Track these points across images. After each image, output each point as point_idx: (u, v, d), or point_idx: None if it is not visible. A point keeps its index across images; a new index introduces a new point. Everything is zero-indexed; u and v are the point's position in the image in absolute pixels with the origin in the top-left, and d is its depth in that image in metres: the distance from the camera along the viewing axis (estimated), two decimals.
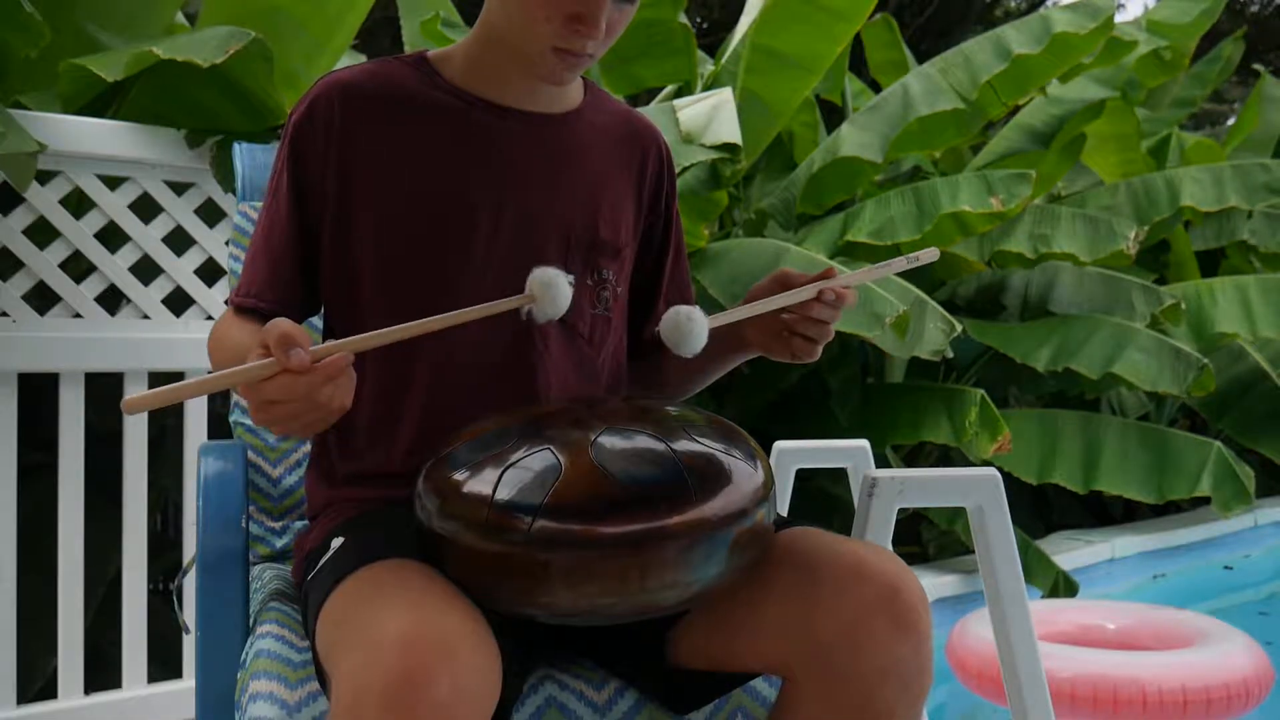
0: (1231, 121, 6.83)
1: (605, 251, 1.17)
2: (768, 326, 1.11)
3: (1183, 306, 3.86)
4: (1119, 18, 4.15)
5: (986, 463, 3.01)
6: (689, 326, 1.02)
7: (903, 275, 3.43)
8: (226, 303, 1.18)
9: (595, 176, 1.18)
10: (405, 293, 1.10)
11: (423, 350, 1.08)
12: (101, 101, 2.24)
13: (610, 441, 0.89)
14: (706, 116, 2.90)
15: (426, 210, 1.10)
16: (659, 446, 0.89)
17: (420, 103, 1.12)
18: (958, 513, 3.38)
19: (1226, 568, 4.07)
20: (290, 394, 0.82)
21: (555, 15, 1.02)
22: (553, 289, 0.98)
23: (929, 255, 1.17)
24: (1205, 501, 3.63)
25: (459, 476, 0.90)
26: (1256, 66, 6.06)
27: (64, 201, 2.08)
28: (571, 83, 1.13)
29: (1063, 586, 3.22)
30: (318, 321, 1.36)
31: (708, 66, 4.15)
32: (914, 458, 3.94)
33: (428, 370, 1.10)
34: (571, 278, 0.99)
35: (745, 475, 0.89)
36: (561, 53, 1.04)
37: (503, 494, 0.85)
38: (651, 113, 2.95)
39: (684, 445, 0.90)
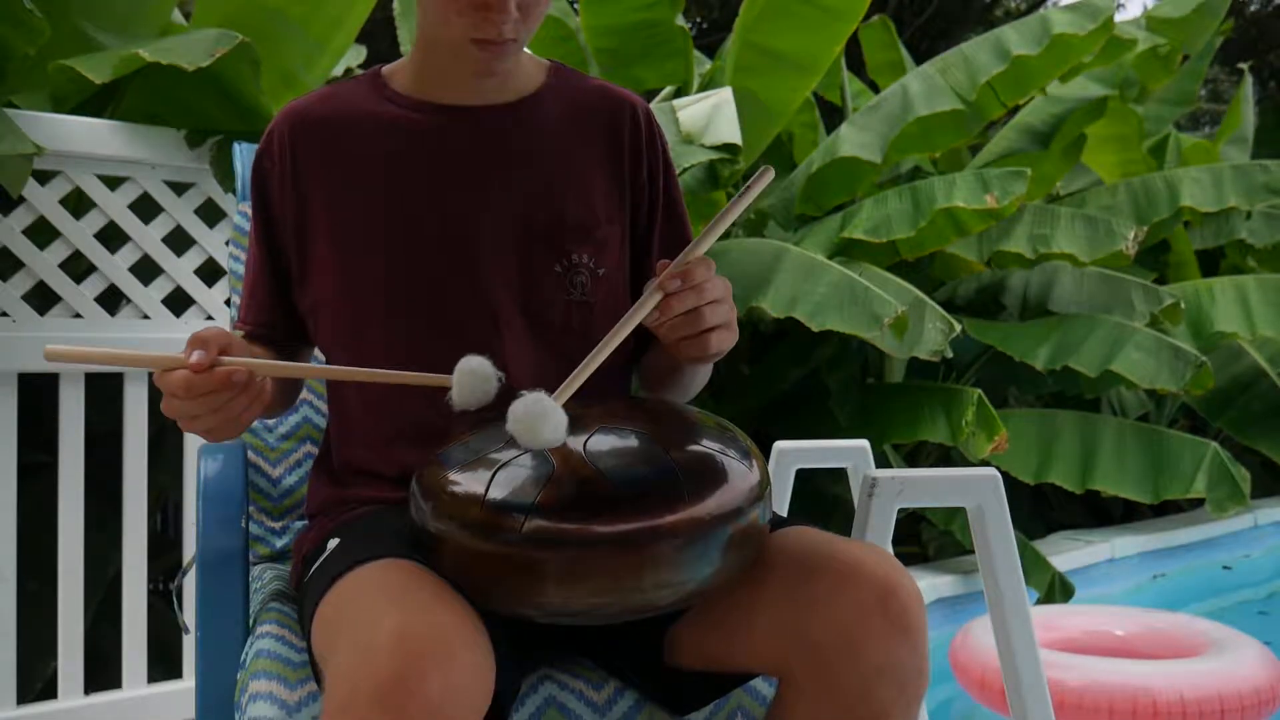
0: None
1: (574, 235, 1.13)
2: (667, 340, 1.00)
3: (1182, 306, 3.87)
4: (1119, 17, 4.15)
5: (984, 462, 3.01)
6: (540, 413, 0.86)
7: (901, 275, 3.43)
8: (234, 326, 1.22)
9: (557, 159, 1.15)
10: (366, 303, 1.12)
11: (394, 350, 1.09)
12: (97, 102, 2.24)
13: (603, 441, 0.89)
14: (706, 116, 2.89)
15: (376, 221, 1.12)
16: (652, 446, 0.89)
17: (367, 118, 1.14)
18: (955, 513, 3.37)
19: (1225, 568, 4.07)
20: (185, 391, 0.88)
21: (464, 8, 1.02)
22: (472, 380, 0.93)
23: (764, 178, 1.00)
24: (1205, 501, 3.63)
25: (452, 476, 0.90)
26: (1241, 65, 6.07)
27: (64, 201, 2.08)
28: (502, 69, 1.10)
29: (1058, 588, 3.21)
30: None
31: (706, 66, 4.15)
32: (915, 457, 3.94)
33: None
34: (501, 375, 0.93)
35: (740, 474, 0.89)
36: (480, 42, 1.04)
37: (495, 493, 0.85)
38: None
39: (677, 444, 0.89)
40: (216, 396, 0.89)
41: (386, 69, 1.20)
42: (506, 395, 1.04)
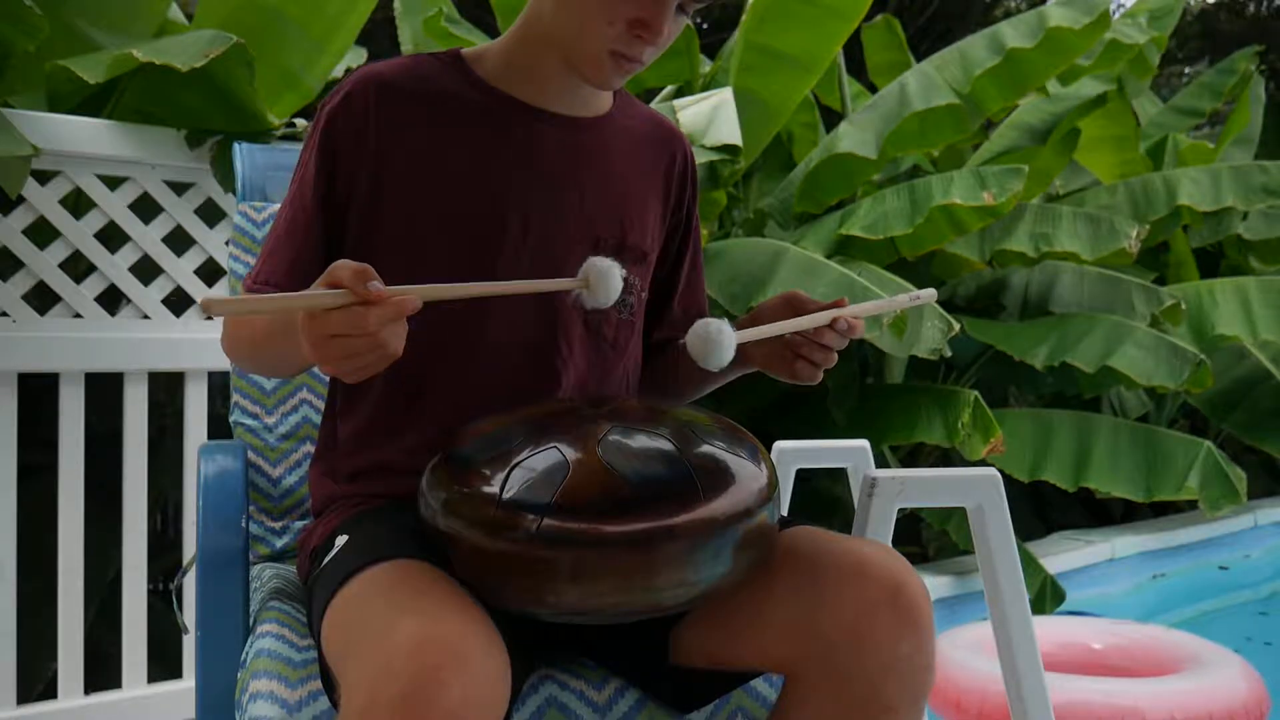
0: None
1: (631, 256, 1.17)
2: (773, 346, 1.11)
3: (1183, 307, 3.86)
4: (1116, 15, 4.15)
5: (981, 462, 3.01)
6: (719, 339, 1.00)
7: (901, 275, 3.44)
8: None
9: (624, 181, 1.18)
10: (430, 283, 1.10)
11: (446, 350, 1.09)
12: (96, 102, 2.24)
13: (617, 441, 0.90)
14: (707, 117, 2.90)
15: (457, 208, 1.10)
16: (666, 446, 0.89)
17: (455, 100, 1.12)
18: (950, 513, 3.37)
19: (1222, 568, 4.07)
20: (356, 327, 0.81)
21: (618, 19, 1.02)
22: (606, 278, 0.99)
23: (927, 296, 1.21)
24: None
25: (465, 474, 0.90)
26: (1251, 66, 6.07)
27: (64, 201, 2.07)
28: (617, 87, 1.13)
29: (1050, 591, 3.18)
30: None
31: (706, 66, 4.15)
32: (914, 458, 3.94)
33: (451, 370, 1.10)
34: (624, 271, 1.00)
35: (751, 475, 0.90)
36: (618, 57, 1.04)
37: (509, 492, 0.86)
38: None
39: (690, 445, 0.90)
40: (386, 329, 0.82)
41: (468, 53, 1.17)
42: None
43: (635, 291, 1.18)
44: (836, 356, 1.11)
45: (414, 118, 1.10)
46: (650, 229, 1.21)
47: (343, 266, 0.83)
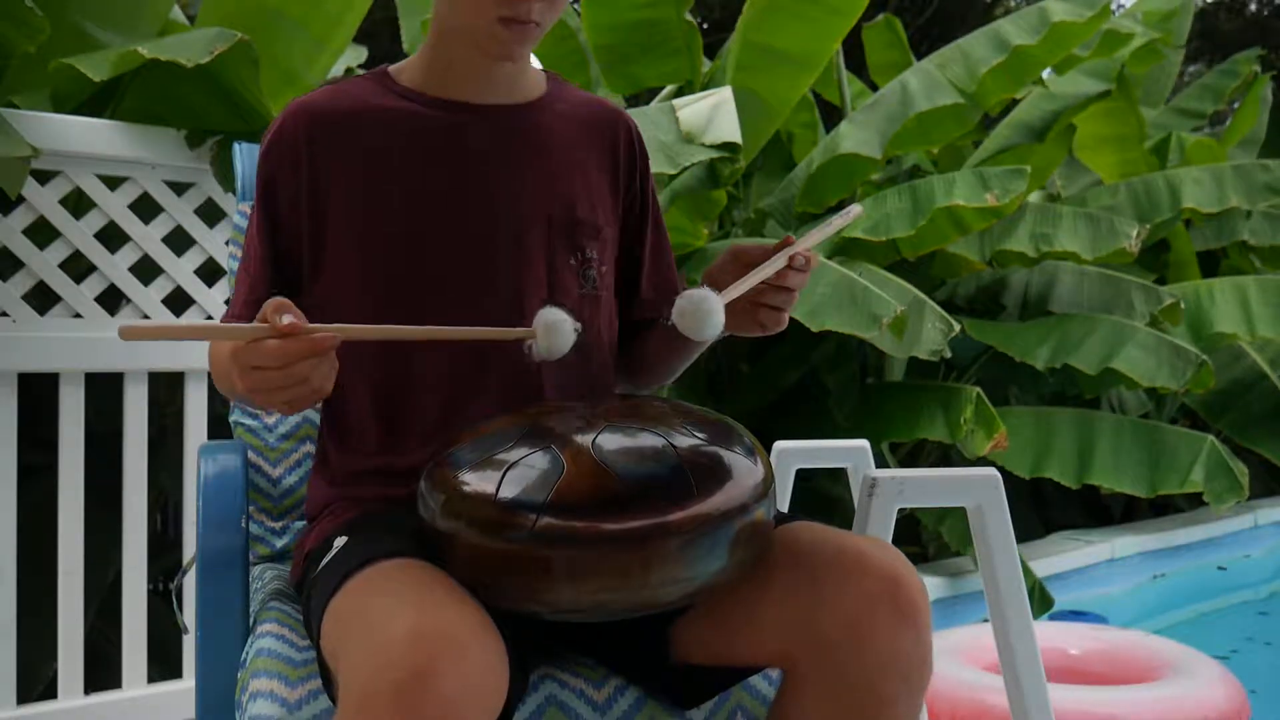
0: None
1: (586, 231, 1.18)
2: (737, 303, 1.08)
3: (1182, 306, 3.86)
4: (1115, 12, 4.15)
5: (982, 459, 3.01)
6: (708, 307, 0.99)
7: (901, 275, 3.44)
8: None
9: (566, 159, 1.19)
10: (390, 297, 1.12)
11: (424, 345, 1.10)
12: (98, 102, 2.24)
13: (612, 439, 0.90)
14: (706, 116, 2.90)
15: (395, 213, 1.12)
16: (660, 443, 0.90)
17: (378, 113, 1.15)
18: (944, 515, 3.37)
19: (1221, 568, 4.07)
20: (273, 360, 0.84)
21: None
22: (554, 331, 0.98)
23: (857, 213, 1.19)
24: (1204, 501, 3.62)
25: (462, 475, 0.90)
26: (1255, 68, 6.06)
27: (64, 201, 2.08)
28: (522, 57, 1.14)
29: (1039, 595, 3.16)
30: None
31: (706, 66, 4.15)
32: (915, 457, 3.94)
33: (427, 360, 1.12)
34: (578, 325, 0.99)
35: (746, 471, 0.90)
36: (508, 22, 1.05)
37: (506, 492, 0.86)
38: (651, 112, 2.95)
39: (684, 442, 0.90)
40: (306, 364, 0.86)
41: (393, 68, 1.20)
42: (531, 384, 1.09)
43: (595, 265, 1.19)
44: (797, 296, 1.11)
45: (340, 139, 1.13)
46: (600, 204, 1.21)
47: (270, 301, 0.87)
